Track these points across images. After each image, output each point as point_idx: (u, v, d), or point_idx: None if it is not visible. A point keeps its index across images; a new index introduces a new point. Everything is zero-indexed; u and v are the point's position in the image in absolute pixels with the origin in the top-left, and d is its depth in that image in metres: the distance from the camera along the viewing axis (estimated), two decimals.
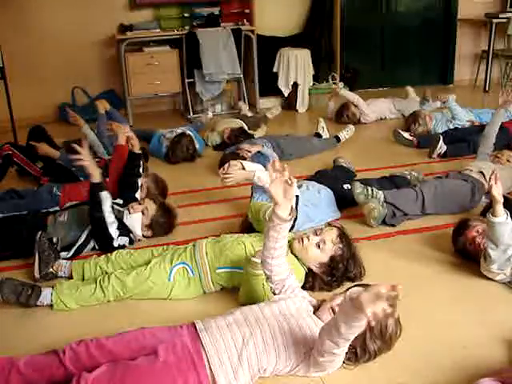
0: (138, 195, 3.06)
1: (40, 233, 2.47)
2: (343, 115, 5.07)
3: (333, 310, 1.80)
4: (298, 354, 1.69)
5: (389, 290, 1.31)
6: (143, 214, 2.79)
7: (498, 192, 2.18)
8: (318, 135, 4.54)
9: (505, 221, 2.17)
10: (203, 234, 2.68)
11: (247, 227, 2.65)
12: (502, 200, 2.18)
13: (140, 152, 3.16)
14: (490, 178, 2.25)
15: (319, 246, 2.18)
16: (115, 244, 2.68)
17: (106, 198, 2.61)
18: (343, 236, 2.22)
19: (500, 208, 2.17)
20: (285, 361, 1.69)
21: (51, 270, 2.43)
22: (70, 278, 2.44)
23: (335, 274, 2.20)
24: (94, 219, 2.64)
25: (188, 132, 4.36)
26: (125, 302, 2.28)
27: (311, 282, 2.20)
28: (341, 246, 2.19)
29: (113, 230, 2.64)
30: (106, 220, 2.61)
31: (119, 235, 2.69)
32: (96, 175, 2.62)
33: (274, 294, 1.94)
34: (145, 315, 2.17)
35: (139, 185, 3.08)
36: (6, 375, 1.64)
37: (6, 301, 2.19)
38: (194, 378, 1.58)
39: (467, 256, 2.48)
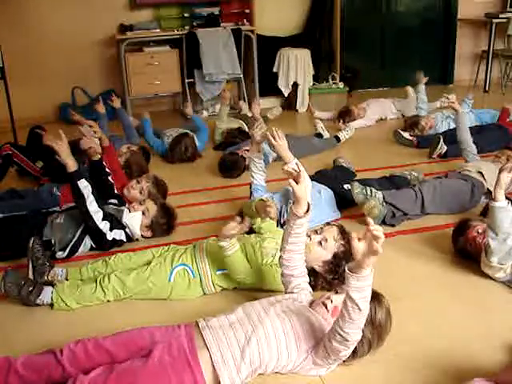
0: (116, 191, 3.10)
1: (32, 240, 2.39)
2: (345, 120, 5.05)
3: (323, 304, 1.82)
4: (300, 351, 1.71)
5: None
6: (144, 214, 2.79)
7: (504, 177, 2.21)
8: (319, 135, 4.55)
9: (506, 206, 2.19)
10: (203, 234, 2.69)
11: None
12: (505, 187, 2.21)
13: (99, 157, 3.07)
14: (505, 165, 2.29)
15: (321, 244, 2.20)
16: (109, 237, 2.68)
17: (84, 186, 2.57)
18: (344, 233, 2.24)
19: (501, 192, 2.20)
20: (287, 357, 1.70)
21: (46, 279, 2.35)
22: None
23: (338, 271, 2.20)
24: (80, 211, 2.62)
25: (191, 134, 4.36)
26: (125, 301, 2.27)
27: (313, 281, 2.20)
28: (343, 242, 2.20)
29: (98, 219, 2.62)
30: (89, 209, 2.58)
31: (112, 228, 2.69)
32: (70, 164, 2.57)
33: (285, 290, 2.00)
34: (145, 315, 2.17)
35: (112, 181, 3.08)
36: (5, 376, 1.64)
37: (7, 292, 2.18)
38: (189, 378, 1.58)
39: (467, 256, 2.48)
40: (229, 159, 3.91)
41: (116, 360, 1.66)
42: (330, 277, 2.21)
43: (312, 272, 2.22)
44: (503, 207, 2.19)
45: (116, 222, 2.76)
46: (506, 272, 2.25)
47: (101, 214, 2.64)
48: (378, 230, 1.44)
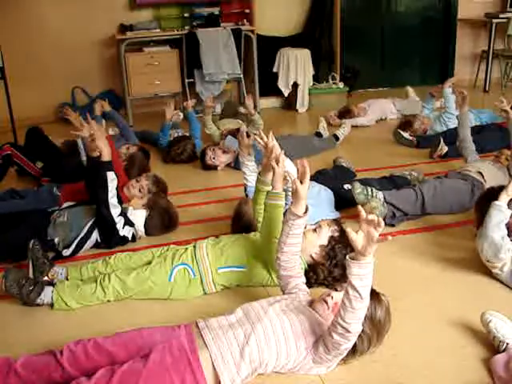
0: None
1: (32, 241, 2.39)
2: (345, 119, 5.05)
3: (324, 301, 1.82)
4: (299, 350, 1.71)
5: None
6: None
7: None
8: (319, 134, 4.54)
9: (501, 206, 2.25)
10: (203, 234, 2.69)
11: (240, 227, 2.65)
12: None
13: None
14: None
15: (316, 231, 2.26)
16: (120, 233, 2.70)
17: (111, 179, 2.58)
18: (337, 221, 2.36)
19: (504, 197, 2.27)
20: (286, 355, 1.70)
21: (46, 278, 2.35)
22: None
23: (337, 256, 2.22)
24: (98, 202, 2.62)
25: (193, 139, 4.35)
26: (125, 301, 2.28)
27: (312, 275, 2.21)
28: (336, 227, 2.28)
29: (115, 213, 2.64)
30: (109, 201, 2.59)
31: (125, 224, 2.71)
32: (106, 153, 2.58)
33: (283, 292, 2.01)
34: (145, 315, 2.17)
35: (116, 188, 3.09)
36: (4, 377, 1.64)
37: (7, 290, 2.17)
38: (190, 378, 1.58)
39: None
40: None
41: (116, 360, 1.65)
42: (327, 263, 2.22)
43: (311, 266, 2.24)
44: (499, 205, 2.25)
45: (127, 219, 2.77)
46: (503, 270, 2.26)
47: (119, 209, 2.67)
48: (375, 218, 1.51)
